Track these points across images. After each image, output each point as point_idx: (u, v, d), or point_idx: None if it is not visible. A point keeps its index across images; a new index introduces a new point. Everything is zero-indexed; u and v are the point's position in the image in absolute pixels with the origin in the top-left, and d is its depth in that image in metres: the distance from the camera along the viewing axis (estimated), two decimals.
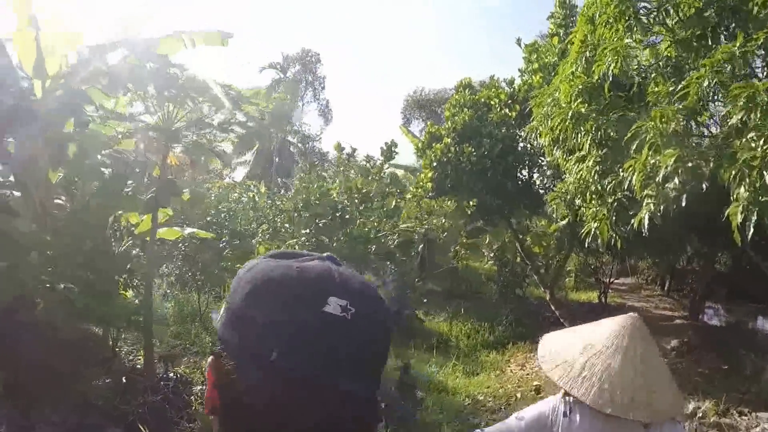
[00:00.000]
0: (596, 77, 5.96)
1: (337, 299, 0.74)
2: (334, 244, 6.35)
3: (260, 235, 7.68)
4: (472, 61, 79.02)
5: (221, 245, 8.82)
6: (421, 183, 12.39)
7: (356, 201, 6.43)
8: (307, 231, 6.60)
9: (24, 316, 5.52)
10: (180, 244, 8.75)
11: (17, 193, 6.80)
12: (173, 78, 5.99)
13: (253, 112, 6.66)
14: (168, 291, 9.90)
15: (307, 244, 6.53)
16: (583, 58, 6.53)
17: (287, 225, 7.61)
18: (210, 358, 0.80)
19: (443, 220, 9.73)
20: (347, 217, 6.41)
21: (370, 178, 8.09)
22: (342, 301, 0.74)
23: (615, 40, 5.80)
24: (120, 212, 7.21)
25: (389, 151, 8.38)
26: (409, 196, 12.18)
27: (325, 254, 0.83)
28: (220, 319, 0.80)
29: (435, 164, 11.60)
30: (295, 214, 7.20)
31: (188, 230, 8.25)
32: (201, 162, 8.24)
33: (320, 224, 6.44)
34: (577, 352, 2.16)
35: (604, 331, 2.24)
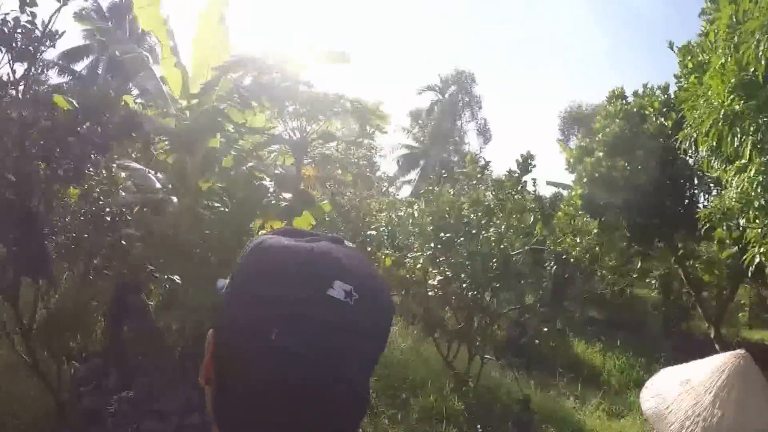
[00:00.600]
0: (751, 67, 5.14)
1: (342, 283, 0.73)
2: (452, 259, 6.22)
3: (417, 248, 7.71)
4: (629, 73, 74.48)
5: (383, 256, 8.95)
6: (571, 200, 11.78)
7: (481, 215, 6.26)
8: (432, 245, 6.54)
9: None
10: None
11: (175, 199, 7.46)
12: (302, 94, 6.29)
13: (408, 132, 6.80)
14: None
15: (428, 258, 6.46)
16: (731, 45, 5.63)
17: (413, 238, 7.60)
18: (210, 330, 0.81)
19: (584, 240, 9.09)
20: (473, 231, 6.25)
21: (506, 192, 7.82)
22: (347, 285, 0.74)
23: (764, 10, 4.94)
24: (261, 221, 7.64)
25: (525, 164, 8.06)
26: (560, 213, 11.62)
27: (332, 234, 0.83)
28: (225, 289, 0.81)
29: (585, 180, 10.98)
30: (428, 228, 7.21)
31: None
32: (336, 175, 8.52)
33: (444, 237, 6.33)
34: (675, 385, 2.00)
35: (707, 366, 2.04)
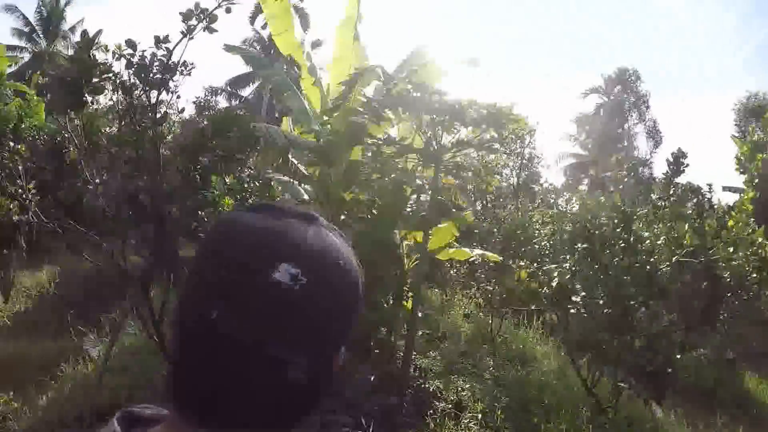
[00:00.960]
0: None
1: (288, 266, 0.72)
2: (589, 272, 5.89)
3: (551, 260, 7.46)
4: None
5: (516, 268, 8.79)
6: (743, 205, 10.66)
7: (617, 221, 5.84)
8: (565, 257, 6.28)
9: None
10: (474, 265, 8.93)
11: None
12: (435, 102, 6.38)
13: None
14: (472, 311, 10.28)
15: (565, 270, 6.16)
16: None
17: (548, 249, 7.35)
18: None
19: (749, 251, 8.09)
20: (613, 241, 5.88)
21: (653, 197, 7.29)
22: (294, 269, 0.72)
23: None
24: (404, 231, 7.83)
25: (677, 164, 7.38)
26: (731, 223, 10.54)
27: (309, 212, 0.81)
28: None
29: (757, 181, 9.91)
30: (563, 237, 6.93)
31: (477, 251, 8.52)
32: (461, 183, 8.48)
33: (580, 248, 6.04)
34: None
35: None
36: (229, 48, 7.56)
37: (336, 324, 0.78)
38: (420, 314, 7.35)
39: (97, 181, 5.30)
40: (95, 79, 4.80)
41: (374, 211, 7.68)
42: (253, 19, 30.78)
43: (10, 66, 25.16)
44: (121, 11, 65.48)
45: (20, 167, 5.63)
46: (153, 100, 5.42)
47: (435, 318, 9.28)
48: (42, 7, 30.49)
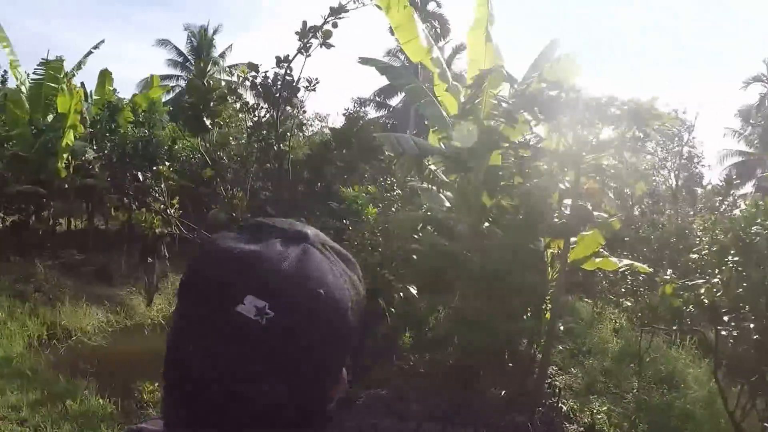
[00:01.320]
0: None
1: (254, 299, 0.68)
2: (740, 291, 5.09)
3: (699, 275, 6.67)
4: None
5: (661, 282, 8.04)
6: None
7: None
8: (714, 271, 5.51)
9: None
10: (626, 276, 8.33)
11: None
12: (571, 101, 6.01)
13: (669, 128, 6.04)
14: (623, 326, 9.56)
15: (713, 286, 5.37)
16: None
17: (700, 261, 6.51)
18: None
19: None
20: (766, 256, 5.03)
21: None
22: (260, 302, 0.68)
23: None
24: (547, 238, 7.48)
25: None
26: None
27: (301, 230, 0.77)
28: None
29: None
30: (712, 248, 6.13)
31: (625, 261, 7.89)
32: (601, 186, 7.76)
33: (729, 261, 5.26)
34: None
35: None
36: (363, 60, 7.74)
37: (317, 354, 0.72)
38: (562, 327, 6.95)
39: (230, 193, 5.72)
40: (212, 104, 5.19)
41: (519, 217, 7.42)
42: (392, 30, 31.17)
43: (168, 92, 28.39)
44: (268, 35, 70.17)
45: (162, 185, 6.30)
46: (279, 117, 5.75)
47: (581, 332, 8.72)
48: (192, 38, 33.56)
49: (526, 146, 6.95)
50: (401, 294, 6.81)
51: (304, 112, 5.74)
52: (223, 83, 6.64)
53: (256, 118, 5.86)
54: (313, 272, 0.71)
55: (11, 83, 17.50)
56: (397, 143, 6.61)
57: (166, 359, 0.73)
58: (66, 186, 14.41)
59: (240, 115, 5.89)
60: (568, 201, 7.04)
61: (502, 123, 6.86)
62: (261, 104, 5.75)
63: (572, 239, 6.88)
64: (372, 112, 32.56)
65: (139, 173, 6.91)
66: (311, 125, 17.63)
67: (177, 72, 33.00)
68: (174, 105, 19.36)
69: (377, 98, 33.79)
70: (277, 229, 0.74)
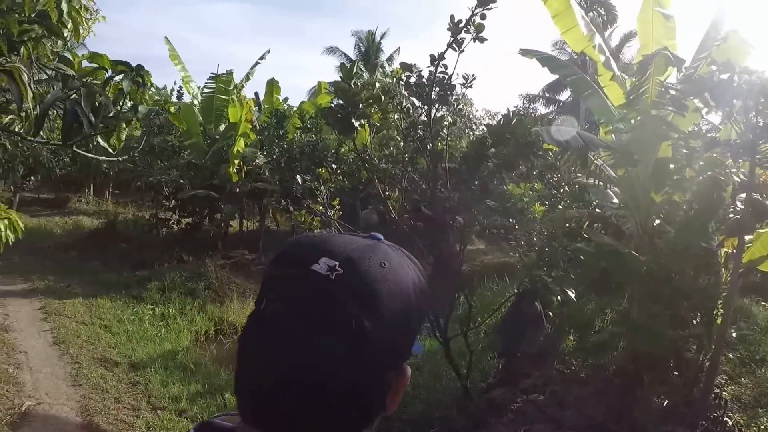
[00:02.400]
0: None
1: (327, 259, 0.81)
2: None
3: None
4: None
5: None
6: None
7: None
8: None
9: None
10: None
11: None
12: (744, 84, 5.70)
13: None
14: None
15: None
16: None
17: None
18: None
19: None
20: None
21: None
22: (332, 261, 0.81)
23: None
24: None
25: None
26: None
27: (374, 234, 0.92)
28: None
29: None
30: None
31: None
32: None
33: None
34: None
35: None
36: (524, 52, 7.80)
37: (377, 320, 0.80)
38: (734, 334, 6.56)
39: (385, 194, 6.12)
40: (361, 106, 5.57)
41: (691, 214, 7.13)
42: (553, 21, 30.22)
43: (335, 98, 29.44)
44: (432, 38, 70.30)
45: (322, 187, 6.84)
46: (432, 116, 6.05)
47: (756, 338, 8.11)
48: (359, 44, 35.28)
49: (697, 136, 6.67)
50: (558, 297, 6.81)
51: (461, 109, 5.92)
52: (378, 85, 7.02)
53: (411, 118, 6.18)
54: (380, 252, 0.85)
55: (186, 98, 19.59)
56: (560, 136, 6.62)
57: (241, 332, 0.85)
58: (237, 190, 15.60)
59: (396, 116, 6.23)
60: (742, 195, 6.69)
61: (671, 111, 6.64)
62: (416, 104, 6.07)
63: (747, 237, 6.49)
64: (542, 109, 32.12)
65: (299, 177, 7.48)
66: (476, 124, 17.82)
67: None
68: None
69: (546, 94, 33.25)
70: (356, 232, 0.92)
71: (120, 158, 5.13)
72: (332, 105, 5.82)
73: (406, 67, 5.90)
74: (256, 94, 19.37)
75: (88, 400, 6.99)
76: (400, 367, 0.87)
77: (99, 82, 3.66)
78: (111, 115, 3.75)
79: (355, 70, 5.72)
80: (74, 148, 3.93)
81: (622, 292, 7.18)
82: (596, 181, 8.34)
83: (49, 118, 4.85)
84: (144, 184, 16.39)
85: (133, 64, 3.74)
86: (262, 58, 18.62)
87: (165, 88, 25.23)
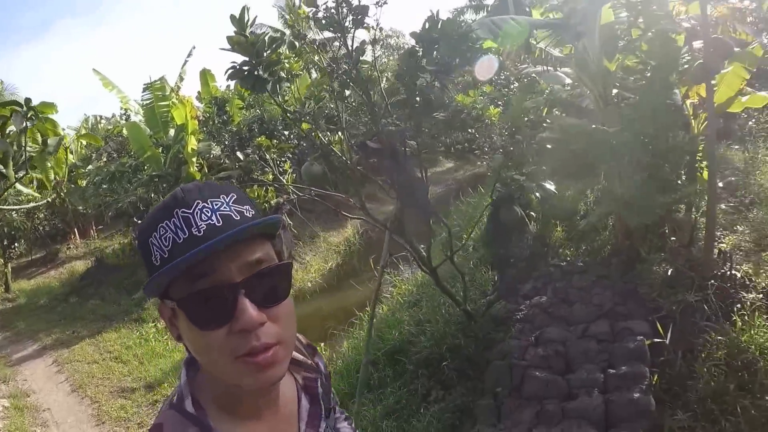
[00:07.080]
0: None
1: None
2: None
3: None
4: None
5: None
6: None
7: None
8: None
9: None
10: None
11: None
12: None
13: None
14: None
15: None
16: None
17: None
18: None
19: None
20: None
21: None
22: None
23: None
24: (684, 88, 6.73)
25: None
26: None
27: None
28: None
29: None
30: None
31: None
32: None
33: None
34: None
35: None
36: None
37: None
38: (721, 184, 6.18)
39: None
40: (265, 54, 5.07)
41: (647, 74, 6.74)
42: None
43: None
44: None
45: (267, 156, 6.46)
46: (352, 45, 5.55)
47: (738, 183, 7.77)
48: (282, 13, 34.38)
49: None
50: (537, 194, 6.43)
51: (381, 29, 5.38)
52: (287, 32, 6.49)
53: (330, 54, 5.69)
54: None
55: (133, 118, 19.11)
56: (494, 26, 6.13)
57: None
58: None
59: (317, 58, 5.68)
60: (699, 41, 6.27)
61: None
62: (329, 38, 5.58)
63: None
64: (472, 17, 31.24)
65: (239, 153, 7.07)
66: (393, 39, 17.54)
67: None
68: None
69: (472, 2, 32.31)
70: None
71: (37, 202, 4.70)
72: (235, 64, 5.24)
73: (310, 2, 5.38)
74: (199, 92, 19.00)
75: None
76: None
77: None
78: (22, 158, 3.36)
79: (247, 18, 5.11)
80: None
81: (599, 170, 6.81)
82: (545, 67, 7.93)
83: None
84: (115, 211, 16.02)
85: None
86: (189, 55, 18.82)
87: (114, 116, 25.49)
